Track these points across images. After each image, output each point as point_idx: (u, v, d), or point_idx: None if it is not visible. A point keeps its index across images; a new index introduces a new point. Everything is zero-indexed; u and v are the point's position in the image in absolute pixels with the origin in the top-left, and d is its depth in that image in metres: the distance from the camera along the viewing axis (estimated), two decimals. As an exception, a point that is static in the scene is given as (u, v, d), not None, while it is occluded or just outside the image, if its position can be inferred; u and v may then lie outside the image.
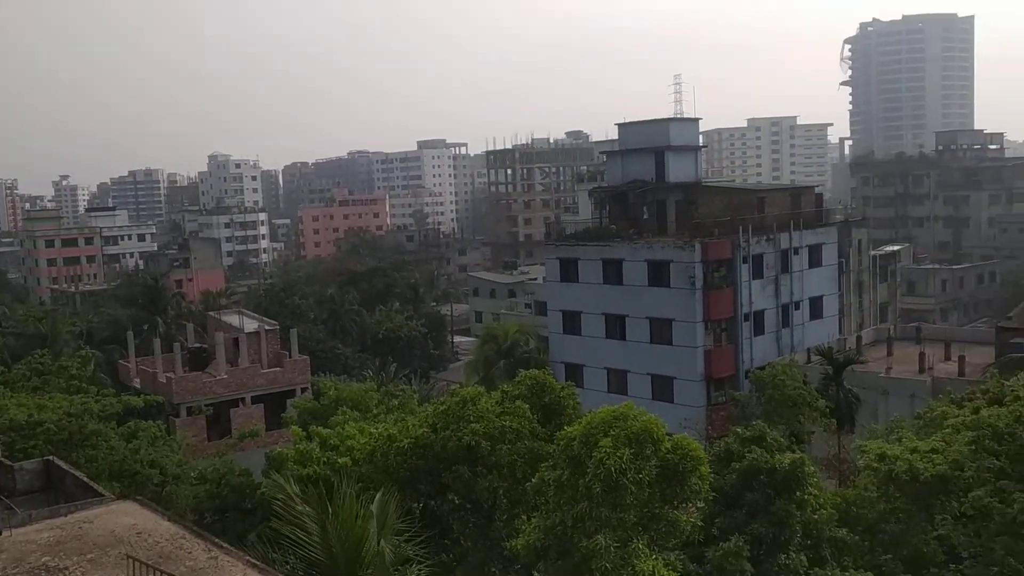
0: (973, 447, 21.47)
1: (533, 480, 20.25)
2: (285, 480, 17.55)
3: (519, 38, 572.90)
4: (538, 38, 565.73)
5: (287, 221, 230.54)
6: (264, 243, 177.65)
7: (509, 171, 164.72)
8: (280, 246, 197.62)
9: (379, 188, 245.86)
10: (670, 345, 53.63)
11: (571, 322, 59.33)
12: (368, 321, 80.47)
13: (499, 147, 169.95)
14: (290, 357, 54.10)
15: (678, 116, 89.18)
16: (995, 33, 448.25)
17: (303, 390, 51.77)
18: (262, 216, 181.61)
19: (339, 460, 24.68)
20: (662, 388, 53.78)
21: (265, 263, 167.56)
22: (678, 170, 60.07)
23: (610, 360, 56.46)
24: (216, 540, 14.95)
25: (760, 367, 46.14)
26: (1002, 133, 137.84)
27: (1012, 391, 22.65)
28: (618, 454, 18.26)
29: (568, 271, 59.55)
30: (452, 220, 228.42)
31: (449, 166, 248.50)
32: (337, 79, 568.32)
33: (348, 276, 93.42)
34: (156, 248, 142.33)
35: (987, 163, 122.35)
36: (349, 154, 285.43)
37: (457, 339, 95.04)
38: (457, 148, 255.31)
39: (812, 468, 23.26)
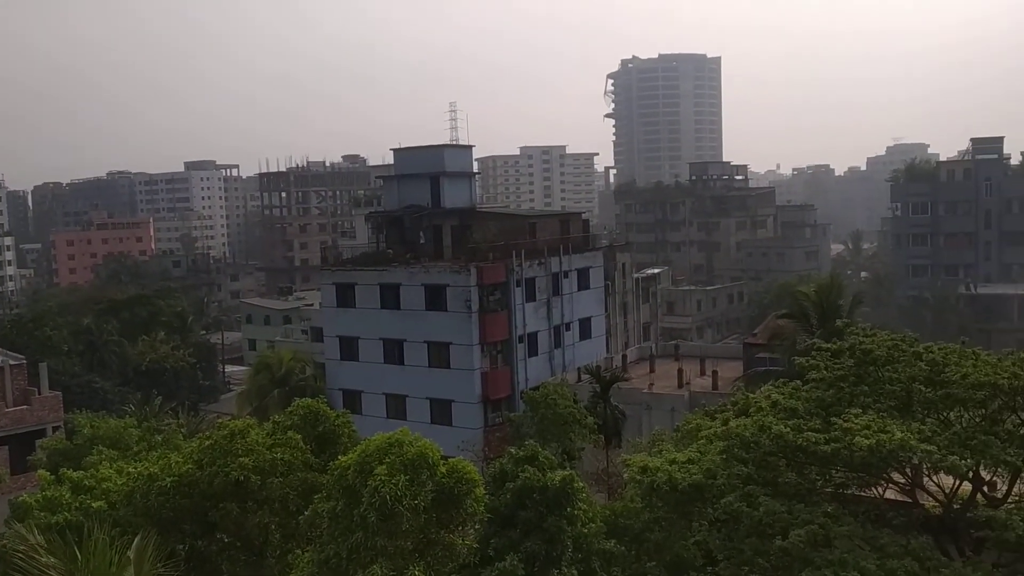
0: (724, 456, 22.94)
1: (306, 513, 19.71)
2: (28, 530, 16.03)
3: (295, 58, 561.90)
4: (314, 60, 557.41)
5: (38, 246, 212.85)
6: (10, 270, 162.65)
7: (284, 194, 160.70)
8: (29, 273, 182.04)
9: (142, 211, 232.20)
10: (448, 368, 54.09)
11: (348, 348, 58.51)
12: (130, 352, 75.62)
13: (273, 169, 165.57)
14: (39, 394, 49.76)
15: (453, 143, 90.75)
16: (738, 74, 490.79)
17: (55, 429, 47.75)
18: (8, 240, 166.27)
19: (93, 504, 22.91)
20: (441, 411, 54.12)
21: (11, 291, 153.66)
22: (453, 196, 60.99)
23: (389, 385, 56.15)
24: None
25: (534, 387, 47.46)
26: (746, 165, 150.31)
27: (756, 403, 24.50)
28: (393, 481, 18.15)
29: (345, 296, 58.76)
30: (223, 245, 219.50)
31: (220, 188, 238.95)
32: (94, 93, 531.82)
33: (107, 304, 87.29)
34: None
35: (734, 192, 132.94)
36: (109, 174, 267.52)
37: (229, 369, 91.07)
38: (228, 170, 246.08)
39: (582, 484, 24.12)
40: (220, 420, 24.88)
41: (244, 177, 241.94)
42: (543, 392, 40.87)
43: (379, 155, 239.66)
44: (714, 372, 54.84)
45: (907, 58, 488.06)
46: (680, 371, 56.43)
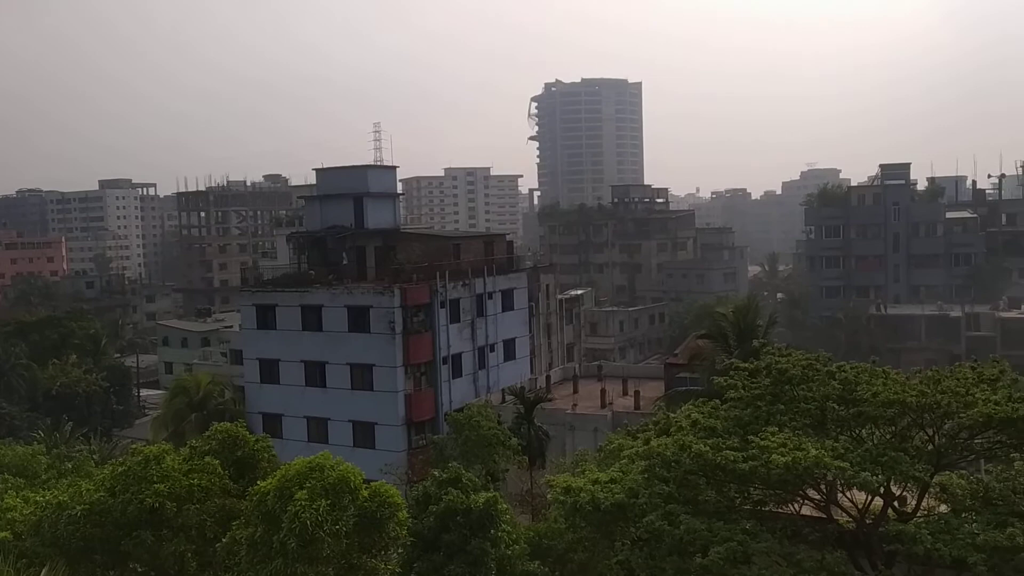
0: (646, 475, 23.22)
1: (224, 540, 19.26)
2: (-74, 564, 15.33)
3: (216, 77, 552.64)
4: (235, 77, 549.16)
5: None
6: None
7: (203, 214, 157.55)
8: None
9: (54, 230, 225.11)
10: (371, 391, 53.54)
11: (269, 371, 57.48)
12: (39, 376, 72.92)
13: (192, 188, 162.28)
14: (-60, 421, 47.65)
15: (377, 163, 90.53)
16: (660, 100, 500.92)
17: (-44, 457, 45.62)
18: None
19: (-2, 535, 21.97)
20: (363, 434, 53.51)
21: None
22: (377, 216, 60.69)
23: (310, 408, 55.33)
24: None
25: (458, 409, 47.35)
26: (667, 188, 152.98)
27: (676, 422, 24.88)
28: (314, 506, 17.90)
29: (265, 318, 57.77)
30: (139, 265, 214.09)
31: (136, 207, 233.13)
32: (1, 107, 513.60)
33: (15, 326, 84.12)
34: None
35: (655, 215, 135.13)
36: (18, 192, 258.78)
37: (144, 393, 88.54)
38: (145, 188, 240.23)
39: (505, 505, 24.16)
40: (134, 446, 24.16)
41: (162, 196, 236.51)
42: (467, 414, 40.84)
43: (301, 175, 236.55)
44: (636, 392, 55.49)
45: (822, 80, 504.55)
46: (603, 391, 56.94)
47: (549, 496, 27.39)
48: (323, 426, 54.73)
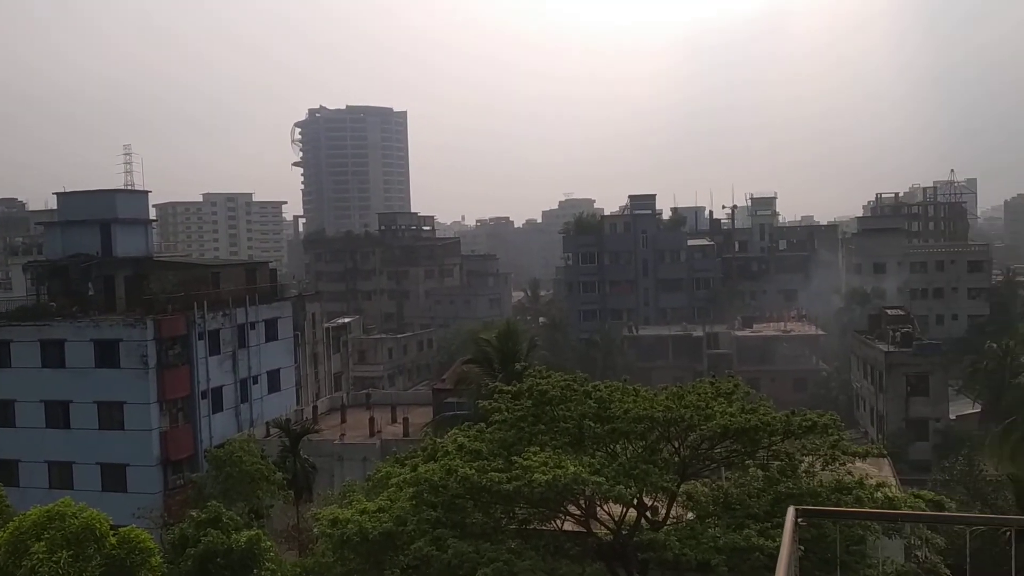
0: (414, 502, 23.29)
1: (-54, 605, 17.29)
2: None
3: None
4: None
5: None
6: None
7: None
8: None
9: None
10: (122, 430, 50.20)
11: (3, 412, 52.49)
12: None
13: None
14: None
15: (127, 188, 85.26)
16: (425, 130, 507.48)
17: None
18: None
19: None
20: (114, 477, 50.03)
21: None
22: (127, 244, 57.27)
23: (52, 452, 51.02)
24: None
25: (219, 445, 45.36)
26: (433, 216, 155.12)
27: (443, 447, 25.19)
28: (54, 559, 16.50)
29: (-2, 355, 52.79)
30: None
31: None
32: None
33: None
34: None
35: (422, 242, 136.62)
36: None
37: None
38: None
39: (270, 543, 23.41)
40: None
41: None
42: (228, 449, 39.29)
43: (41, 200, 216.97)
44: (405, 419, 55.59)
45: (579, 125, 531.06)
46: (372, 420, 56.60)
47: (316, 530, 26.82)
48: (67, 471, 50.67)
